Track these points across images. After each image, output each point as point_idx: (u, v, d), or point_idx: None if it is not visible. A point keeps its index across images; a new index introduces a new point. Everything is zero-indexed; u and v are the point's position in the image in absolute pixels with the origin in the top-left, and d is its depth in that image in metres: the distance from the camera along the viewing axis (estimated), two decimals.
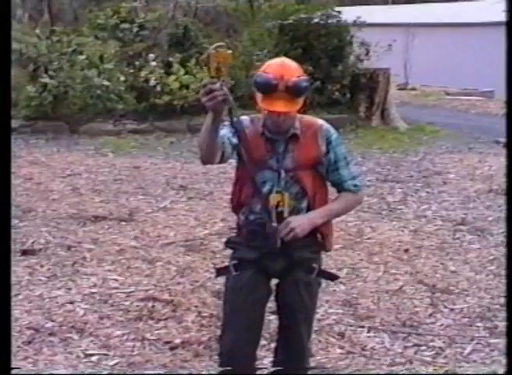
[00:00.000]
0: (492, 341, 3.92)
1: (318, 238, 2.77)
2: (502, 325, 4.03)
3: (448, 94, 19.27)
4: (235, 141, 2.63)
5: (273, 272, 2.74)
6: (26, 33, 12.60)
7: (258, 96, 2.59)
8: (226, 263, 2.84)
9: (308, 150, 2.68)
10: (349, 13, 13.07)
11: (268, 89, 2.54)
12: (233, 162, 2.81)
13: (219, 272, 2.89)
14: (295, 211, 2.67)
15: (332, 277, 2.96)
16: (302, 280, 2.72)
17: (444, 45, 21.83)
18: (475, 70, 20.31)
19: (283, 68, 2.59)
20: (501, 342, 3.79)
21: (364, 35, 12.70)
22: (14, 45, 10.88)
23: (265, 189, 2.66)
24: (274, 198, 2.64)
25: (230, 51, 2.35)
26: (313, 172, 2.70)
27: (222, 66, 2.33)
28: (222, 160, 2.62)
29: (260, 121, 2.69)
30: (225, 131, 2.62)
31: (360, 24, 12.99)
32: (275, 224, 2.63)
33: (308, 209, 2.70)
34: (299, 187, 2.68)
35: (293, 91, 2.55)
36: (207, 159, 2.59)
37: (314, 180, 2.71)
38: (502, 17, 18.69)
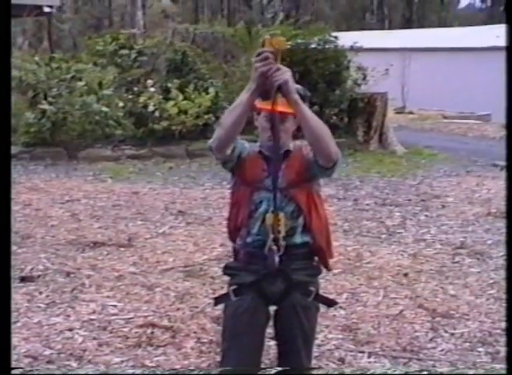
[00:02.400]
0: (494, 366, 3.89)
1: (314, 262, 2.80)
2: (504, 350, 4.00)
3: (445, 117, 19.38)
4: (242, 150, 2.70)
5: (272, 295, 2.73)
6: (25, 60, 12.70)
7: (258, 104, 2.64)
8: (224, 291, 2.84)
9: (296, 165, 2.72)
10: (346, 38, 13.19)
11: (268, 92, 2.58)
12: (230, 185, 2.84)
13: (218, 300, 2.88)
14: (291, 230, 2.70)
15: (330, 303, 2.96)
16: (300, 303, 2.73)
17: (441, 69, 22.00)
18: (472, 94, 20.43)
19: None
20: (503, 368, 3.76)
21: (361, 60, 12.80)
22: (14, 72, 10.97)
23: (262, 209, 2.70)
24: (270, 218, 2.65)
25: (284, 38, 2.52)
26: (306, 188, 2.72)
27: (276, 52, 2.45)
28: (231, 156, 2.66)
29: (256, 145, 2.78)
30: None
31: (357, 49, 13.10)
32: (274, 247, 2.65)
33: (304, 226, 2.72)
34: (294, 205, 2.71)
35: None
36: (224, 141, 2.58)
37: (309, 197, 2.73)
38: (497, 42, 18.88)
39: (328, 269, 2.87)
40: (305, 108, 2.53)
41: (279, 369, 2.80)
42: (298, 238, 2.72)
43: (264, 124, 2.69)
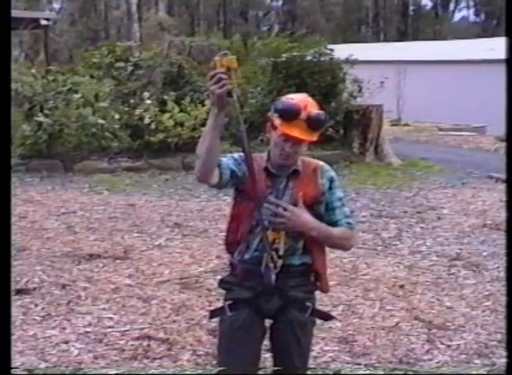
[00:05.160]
0: None
1: (311, 279, 2.78)
2: (500, 362, 4.00)
3: (440, 129, 19.45)
4: (235, 169, 2.63)
5: (268, 311, 2.72)
6: (22, 72, 12.71)
7: (277, 122, 2.60)
8: (220, 305, 2.83)
9: (307, 188, 2.69)
10: (341, 51, 13.25)
11: (291, 115, 2.56)
12: (228, 198, 2.83)
13: (213, 314, 2.86)
14: (291, 249, 2.68)
15: (326, 317, 2.95)
16: (297, 319, 2.71)
17: (436, 82, 22.11)
18: (467, 106, 20.54)
19: (307, 100, 2.64)
20: None
21: (356, 72, 12.86)
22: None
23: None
24: (270, 235, 2.64)
25: (234, 57, 2.44)
26: (310, 212, 2.68)
27: (229, 71, 2.40)
28: (220, 183, 2.60)
29: (263, 158, 2.72)
30: (226, 159, 2.64)
31: (352, 61, 13.16)
32: (271, 264, 2.63)
33: (305, 249, 2.71)
34: None
35: (313, 122, 2.59)
36: (204, 171, 2.53)
37: None
38: (491, 55, 18.98)
39: (325, 291, 2.86)
40: (329, 233, 2.69)
41: (276, 368, 2.82)
42: (297, 260, 2.71)
43: (279, 142, 2.63)
